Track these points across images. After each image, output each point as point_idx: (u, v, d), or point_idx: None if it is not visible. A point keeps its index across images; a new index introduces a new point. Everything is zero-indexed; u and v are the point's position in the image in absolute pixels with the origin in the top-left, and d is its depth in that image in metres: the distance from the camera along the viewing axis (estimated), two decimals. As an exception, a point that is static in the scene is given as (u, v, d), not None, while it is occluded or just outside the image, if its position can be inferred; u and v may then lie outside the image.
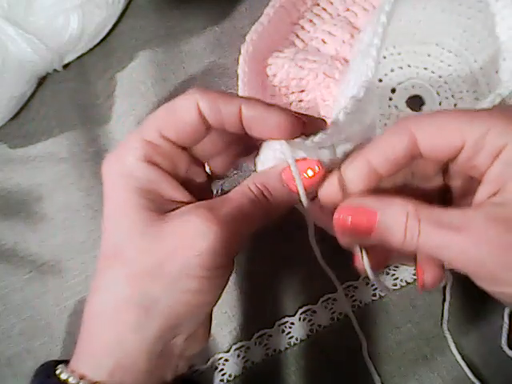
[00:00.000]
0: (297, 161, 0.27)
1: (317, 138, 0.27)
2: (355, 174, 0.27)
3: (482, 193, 0.26)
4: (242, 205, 0.27)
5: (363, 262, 0.28)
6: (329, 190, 0.28)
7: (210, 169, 0.31)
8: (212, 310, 0.30)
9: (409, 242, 0.25)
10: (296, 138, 0.27)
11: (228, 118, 0.28)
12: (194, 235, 0.26)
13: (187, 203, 0.28)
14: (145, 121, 0.28)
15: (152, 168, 0.28)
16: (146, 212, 0.27)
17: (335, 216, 0.27)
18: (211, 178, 0.32)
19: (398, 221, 0.25)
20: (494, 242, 0.23)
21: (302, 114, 0.29)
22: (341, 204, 0.27)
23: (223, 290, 0.28)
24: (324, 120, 0.29)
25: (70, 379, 0.26)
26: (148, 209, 0.27)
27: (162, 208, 0.27)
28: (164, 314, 0.26)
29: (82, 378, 0.26)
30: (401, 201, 0.26)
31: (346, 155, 0.29)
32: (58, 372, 0.27)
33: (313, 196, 0.29)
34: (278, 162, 0.28)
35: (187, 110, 0.27)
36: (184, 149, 0.29)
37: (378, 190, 0.28)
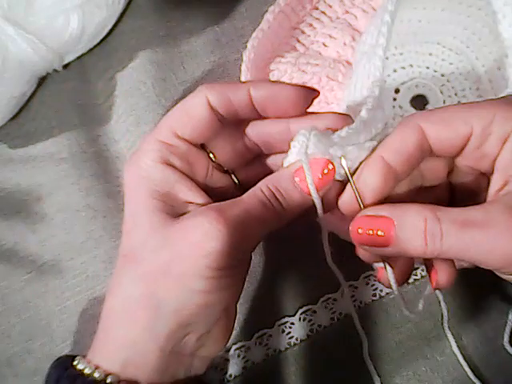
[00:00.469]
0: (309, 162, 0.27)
1: (343, 133, 0.27)
2: (371, 173, 0.26)
3: (495, 182, 0.25)
4: (253, 207, 0.27)
5: (387, 276, 0.27)
6: (348, 199, 0.27)
7: (237, 179, 0.32)
8: (234, 312, 0.30)
9: (431, 248, 0.24)
10: (323, 131, 0.27)
11: (239, 104, 0.28)
12: (201, 236, 0.26)
13: (204, 205, 0.28)
14: (159, 123, 0.29)
15: (168, 169, 0.28)
16: (160, 214, 0.27)
17: (351, 228, 0.26)
18: (242, 189, 0.31)
19: (416, 227, 0.24)
20: None
21: (327, 112, 0.29)
22: (356, 215, 0.26)
23: (239, 289, 0.29)
24: (349, 116, 0.29)
25: (86, 369, 0.27)
26: (163, 211, 0.27)
27: (176, 210, 0.28)
28: (173, 314, 0.27)
29: (96, 368, 0.27)
30: (416, 206, 0.25)
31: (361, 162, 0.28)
32: (75, 363, 0.28)
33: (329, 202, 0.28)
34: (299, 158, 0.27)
35: (198, 106, 0.28)
36: (201, 149, 0.30)
37: (393, 198, 0.27)
